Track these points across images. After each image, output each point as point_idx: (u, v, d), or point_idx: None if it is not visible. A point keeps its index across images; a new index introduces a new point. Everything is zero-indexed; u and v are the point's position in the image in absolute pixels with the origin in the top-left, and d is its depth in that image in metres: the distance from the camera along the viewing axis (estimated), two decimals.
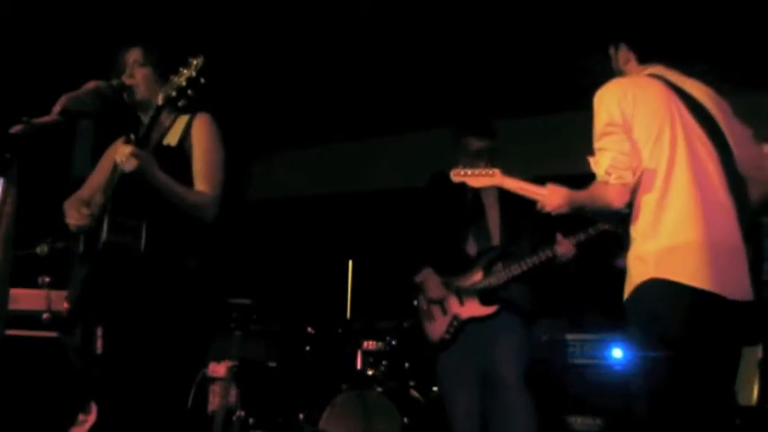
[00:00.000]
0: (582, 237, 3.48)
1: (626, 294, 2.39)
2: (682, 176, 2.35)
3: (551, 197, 2.61)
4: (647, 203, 2.36)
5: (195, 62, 2.40)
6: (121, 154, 2.47)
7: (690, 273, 2.27)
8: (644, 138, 2.39)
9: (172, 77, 2.44)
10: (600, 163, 2.40)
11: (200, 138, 2.74)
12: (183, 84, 2.40)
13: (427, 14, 4.64)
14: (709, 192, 2.35)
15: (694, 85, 2.52)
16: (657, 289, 2.30)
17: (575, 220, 3.00)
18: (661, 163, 2.36)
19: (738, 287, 2.31)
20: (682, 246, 2.29)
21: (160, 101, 2.47)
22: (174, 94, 2.41)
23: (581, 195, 2.52)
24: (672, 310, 2.28)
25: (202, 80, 2.39)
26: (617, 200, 2.36)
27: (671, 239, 2.31)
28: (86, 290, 2.62)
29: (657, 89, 2.47)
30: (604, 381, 4.32)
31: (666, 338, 2.27)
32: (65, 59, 4.47)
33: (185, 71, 2.41)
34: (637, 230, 2.39)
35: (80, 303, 2.64)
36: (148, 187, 2.52)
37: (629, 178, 2.35)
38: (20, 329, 3.46)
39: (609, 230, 3.36)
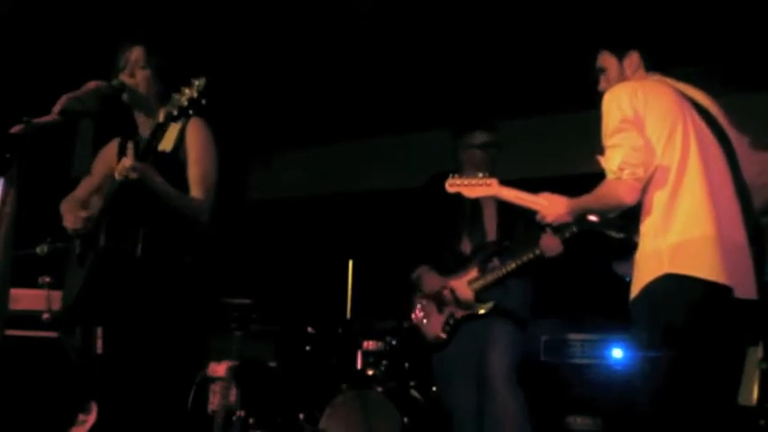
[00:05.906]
0: (566, 233, 3.46)
1: (634, 293, 2.35)
2: (694, 174, 2.35)
3: (552, 207, 2.59)
4: (658, 200, 2.35)
5: (197, 83, 2.42)
6: (122, 167, 2.49)
7: (705, 267, 2.26)
8: (656, 135, 2.38)
9: (174, 95, 2.47)
10: (612, 159, 2.36)
11: (194, 144, 2.78)
12: (185, 104, 2.43)
13: (427, 15, 4.63)
14: (720, 190, 2.36)
15: (697, 92, 2.55)
16: (672, 284, 2.28)
17: None
18: (673, 160, 2.36)
19: (745, 285, 2.31)
20: (695, 240, 2.29)
21: (161, 118, 2.50)
22: (175, 112, 2.46)
23: (583, 200, 2.50)
24: (685, 305, 2.27)
25: (204, 101, 2.42)
26: (628, 196, 2.33)
27: (684, 234, 2.29)
28: (85, 291, 2.62)
29: (666, 91, 2.49)
30: (604, 381, 4.32)
31: (675, 335, 2.25)
32: (65, 59, 4.47)
33: (187, 90, 2.43)
34: (647, 227, 2.36)
35: (79, 304, 2.64)
36: (146, 193, 2.55)
37: (642, 174, 2.32)
38: (20, 329, 3.46)
39: (594, 225, 3.34)
